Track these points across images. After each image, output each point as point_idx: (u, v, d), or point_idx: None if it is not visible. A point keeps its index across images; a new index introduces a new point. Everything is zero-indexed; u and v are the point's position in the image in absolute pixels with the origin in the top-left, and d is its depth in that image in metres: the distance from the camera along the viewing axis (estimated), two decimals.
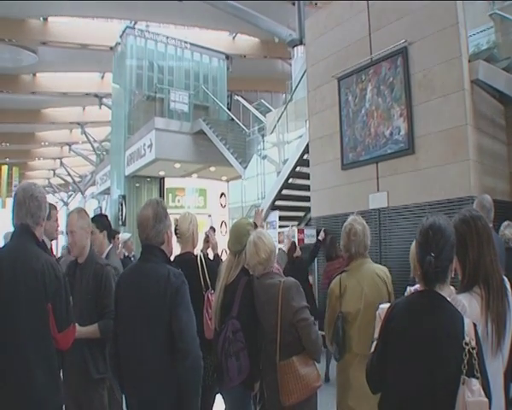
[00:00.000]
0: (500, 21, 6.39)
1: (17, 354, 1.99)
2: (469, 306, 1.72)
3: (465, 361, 1.49)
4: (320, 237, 6.40)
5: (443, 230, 1.66)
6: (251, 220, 3.21)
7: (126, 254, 6.34)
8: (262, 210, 3.93)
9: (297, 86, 10.18)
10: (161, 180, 14.83)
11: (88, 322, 2.71)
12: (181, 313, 2.09)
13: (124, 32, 15.07)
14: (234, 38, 18.15)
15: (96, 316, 2.76)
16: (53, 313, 2.07)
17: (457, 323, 1.56)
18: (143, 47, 15.23)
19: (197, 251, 3.24)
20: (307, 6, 13.60)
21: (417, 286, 2.22)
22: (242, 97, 16.09)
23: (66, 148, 27.53)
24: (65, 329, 2.13)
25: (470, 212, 1.91)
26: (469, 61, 5.08)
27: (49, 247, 3.07)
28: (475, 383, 1.47)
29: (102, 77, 19.94)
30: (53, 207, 3.15)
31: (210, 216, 13.79)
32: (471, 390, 1.46)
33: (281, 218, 8.36)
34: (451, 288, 1.79)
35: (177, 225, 3.08)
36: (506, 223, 4.41)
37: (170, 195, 14.38)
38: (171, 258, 2.55)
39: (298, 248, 6.12)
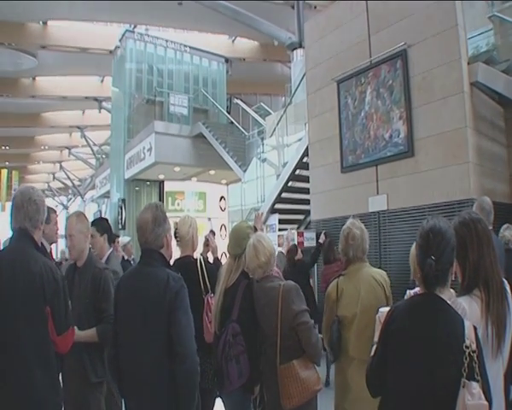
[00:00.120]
0: (499, 23, 6.42)
1: (17, 354, 1.99)
2: (469, 308, 1.72)
3: (465, 364, 1.49)
4: (321, 240, 6.36)
5: (443, 232, 1.65)
6: (251, 224, 3.21)
7: (126, 257, 6.32)
8: (262, 214, 3.93)
9: (296, 89, 10.20)
10: (161, 184, 14.82)
11: (86, 326, 2.70)
12: (180, 317, 2.09)
13: (123, 35, 15.09)
14: (233, 41, 18.20)
15: (95, 320, 2.75)
16: (52, 315, 2.08)
17: (458, 326, 1.55)
18: (143, 51, 15.24)
19: (197, 254, 3.23)
20: (306, 9, 13.64)
21: (417, 289, 2.22)
22: (242, 101, 16.12)
23: (66, 151, 27.52)
24: (64, 332, 2.14)
25: (470, 214, 1.90)
26: (469, 64, 5.09)
27: (48, 250, 3.07)
28: (475, 387, 1.47)
29: (102, 81, 19.98)
30: (52, 210, 3.14)
31: (210, 219, 13.79)
32: (471, 393, 1.46)
33: (280, 221, 8.35)
34: (452, 291, 1.78)
35: (176, 229, 3.08)
36: (506, 225, 4.42)
37: (169, 198, 14.33)
38: (171, 261, 2.55)
39: (299, 251, 6.11)
